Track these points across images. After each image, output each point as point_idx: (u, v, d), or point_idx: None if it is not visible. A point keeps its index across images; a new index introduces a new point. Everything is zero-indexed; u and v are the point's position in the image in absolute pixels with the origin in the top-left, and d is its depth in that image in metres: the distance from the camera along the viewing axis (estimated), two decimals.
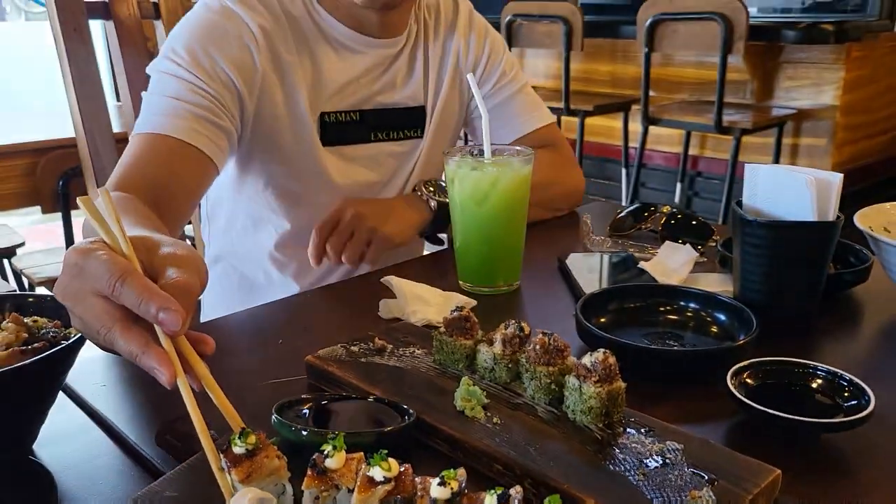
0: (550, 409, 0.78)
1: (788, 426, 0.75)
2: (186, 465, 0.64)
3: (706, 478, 0.67)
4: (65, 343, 0.68)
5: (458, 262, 1.18)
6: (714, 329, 0.98)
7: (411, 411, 0.77)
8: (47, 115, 3.10)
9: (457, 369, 0.85)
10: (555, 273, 1.25)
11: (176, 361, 0.53)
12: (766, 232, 0.99)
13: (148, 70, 1.23)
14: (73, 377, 0.90)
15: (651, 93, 3.74)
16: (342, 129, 1.35)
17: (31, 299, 0.81)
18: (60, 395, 0.88)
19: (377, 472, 0.55)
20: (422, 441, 0.77)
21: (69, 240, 2.90)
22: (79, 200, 0.58)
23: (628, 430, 0.74)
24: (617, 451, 0.71)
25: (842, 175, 0.99)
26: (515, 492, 0.55)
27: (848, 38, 3.54)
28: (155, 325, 0.53)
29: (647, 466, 0.69)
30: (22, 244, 3.16)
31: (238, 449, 0.54)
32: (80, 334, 0.67)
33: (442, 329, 0.87)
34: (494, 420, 0.76)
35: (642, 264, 1.21)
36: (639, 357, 0.85)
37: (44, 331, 0.74)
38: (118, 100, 2.45)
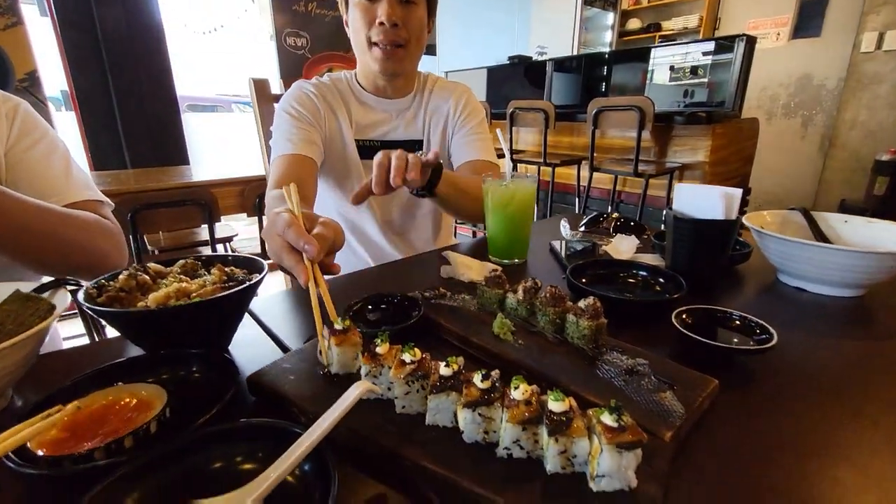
0: (556, 336, 0.67)
1: (716, 351, 0.64)
2: (296, 351, 0.63)
3: (668, 384, 0.56)
4: (248, 283, 0.61)
5: (489, 244, 1.09)
6: (657, 288, 0.86)
7: (421, 307, 0.73)
8: (250, 160, 3.07)
9: (492, 309, 0.75)
10: (546, 254, 1.14)
11: (310, 273, 0.58)
12: (690, 226, 0.87)
13: (275, 117, 1.28)
14: (258, 308, 0.84)
15: (595, 154, 3.57)
16: (370, 150, 1.30)
17: (230, 258, 0.73)
18: (248, 318, 0.81)
19: (406, 357, 0.51)
20: (470, 354, 0.67)
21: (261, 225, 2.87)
22: (284, 189, 0.69)
23: (609, 350, 0.63)
24: (603, 364, 0.60)
25: (741, 189, 0.86)
26: (494, 373, 0.48)
27: (713, 121, 3.38)
28: (303, 254, 0.59)
29: (626, 375, 0.58)
30: (236, 235, 3.13)
31: (337, 327, 0.57)
32: (259, 277, 0.66)
33: (483, 283, 0.77)
34: (519, 342, 0.66)
35: (602, 248, 1.09)
36: (612, 304, 0.73)
37: (237, 276, 0.66)
38: None
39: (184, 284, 0.61)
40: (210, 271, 0.68)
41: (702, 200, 0.89)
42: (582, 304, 0.65)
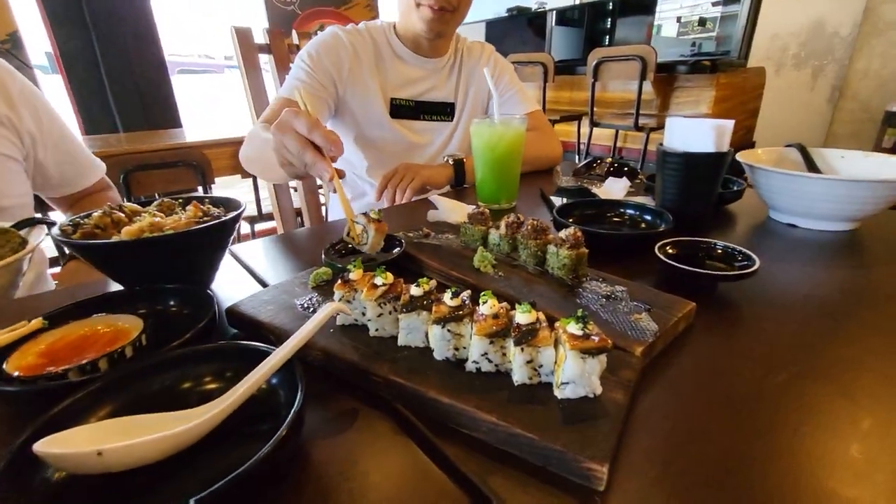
0: (537, 268, 0.67)
1: (697, 277, 0.63)
2: (276, 285, 0.63)
3: (644, 307, 0.55)
4: (224, 218, 0.61)
5: (477, 188, 1.08)
6: (643, 225, 0.85)
7: (402, 242, 0.73)
8: (242, 121, 3.01)
9: (475, 246, 0.73)
10: (537, 198, 1.12)
11: (332, 170, 0.63)
12: (681, 160, 0.85)
13: (292, 65, 1.25)
14: (243, 252, 0.83)
15: (595, 108, 3.47)
16: (403, 110, 1.31)
17: (207, 199, 0.72)
18: (233, 261, 0.81)
19: (378, 280, 0.50)
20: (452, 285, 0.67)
21: (257, 193, 2.84)
22: (295, 91, 0.80)
23: (589, 279, 0.63)
24: (582, 292, 0.60)
25: (733, 121, 0.84)
26: (466, 293, 0.48)
27: (717, 70, 3.24)
28: (325, 152, 0.63)
29: (604, 300, 0.57)
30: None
31: (373, 216, 0.67)
32: (235, 213, 0.64)
33: (466, 221, 0.76)
34: (500, 274, 0.65)
35: (594, 190, 1.07)
36: (595, 239, 0.72)
37: (212, 213, 0.65)
38: None
39: (158, 219, 0.60)
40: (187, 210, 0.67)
41: (693, 134, 0.86)
42: (563, 234, 0.64)
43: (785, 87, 4.90)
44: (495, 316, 0.43)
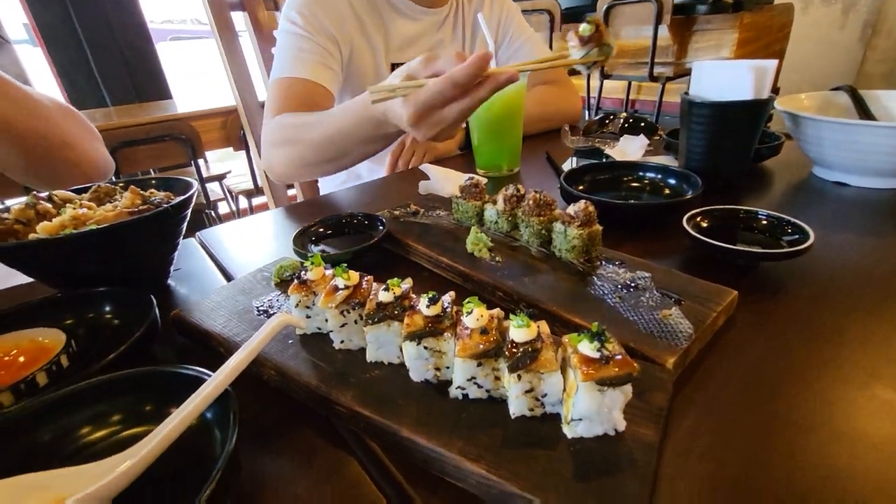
0: (541, 250, 0.56)
1: (737, 256, 0.52)
2: (235, 282, 0.54)
3: (674, 299, 0.45)
4: (163, 207, 0.52)
5: (475, 154, 0.95)
6: (667, 191, 0.73)
7: (384, 223, 0.63)
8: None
9: (469, 223, 0.63)
10: (543, 164, 1.00)
11: None
12: (711, 110, 0.71)
13: (275, 34, 1.04)
14: (215, 237, 0.74)
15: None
16: None
17: (154, 181, 0.62)
18: (200, 251, 0.71)
19: (339, 281, 0.40)
20: (441, 276, 0.57)
21: (251, 164, 2.72)
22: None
23: (604, 263, 0.52)
24: (596, 280, 0.49)
25: (776, 61, 0.69)
26: (448, 296, 0.38)
27: (741, 9, 2.95)
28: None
29: (623, 291, 0.47)
30: (228, 172, 3.00)
31: None
32: (180, 200, 0.53)
33: (458, 194, 0.65)
34: (497, 259, 0.55)
35: (606, 151, 0.94)
36: (610, 211, 0.61)
37: (155, 199, 0.54)
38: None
39: (82, 211, 0.50)
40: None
41: (726, 79, 0.72)
42: (571, 209, 0.53)
43: (813, 25, 4.52)
44: (483, 331, 0.33)
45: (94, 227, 0.47)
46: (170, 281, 0.63)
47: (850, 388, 0.37)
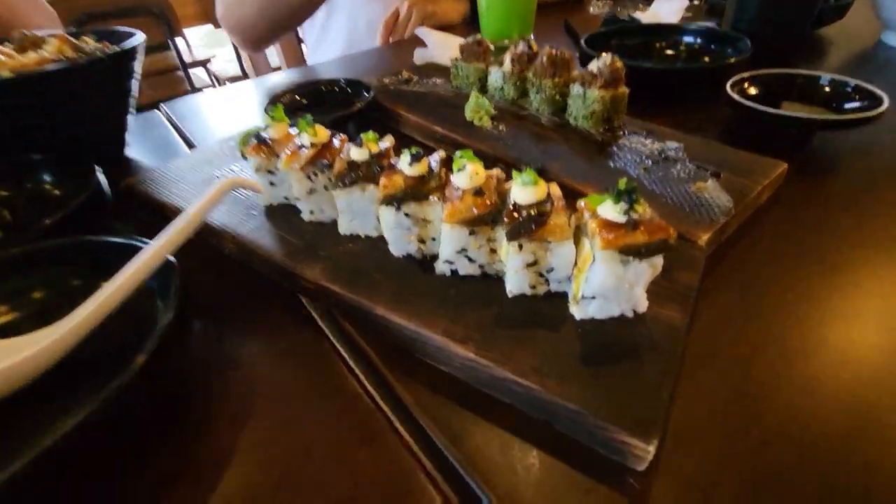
0: (554, 118, 0.47)
1: (789, 125, 0.43)
2: (196, 152, 0.46)
3: (710, 171, 0.37)
4: (98, 56, 0.44)
5: (481, 19, 0.82)
6: (707, 59, 0.61)
7: (370, 90, 0.53)
8: None
9: (470, 90, 0.53)
10: (560, 34, 0.86)
11: None
12: None
13: None
14: (180, 111, 0.65)
15: None
16: None
17: (97, 32, 0.52)
18: (167, 124, 0.63)
19: (304, 138, 0.32)
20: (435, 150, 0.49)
21: (239, 55, 2.48)
22: None
23: (629, 133, 0.44)
24: (617, 150, 0.41)
25: None
26: (438, 155, 0.30)
27: None
28: None
29: (648, 163, 0.39)
30: (213, 56, 2.74)
31: None
32: (120, 49, 0.44)
33: (458, 57, 0.54)
34: (500, 128, 0.46)
35: (637, 15, 0.79)
36: (639, 76, 0.51)
37: (87, 48, 0.45)
38: None
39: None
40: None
41: None
42: (593, 65, 0.43)
43: None
44: (478, 192, 0.26)
45: (6, 74, 0.38)
46: (129, 153, 0.55)
47: None
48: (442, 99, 0.54)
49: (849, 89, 0.46)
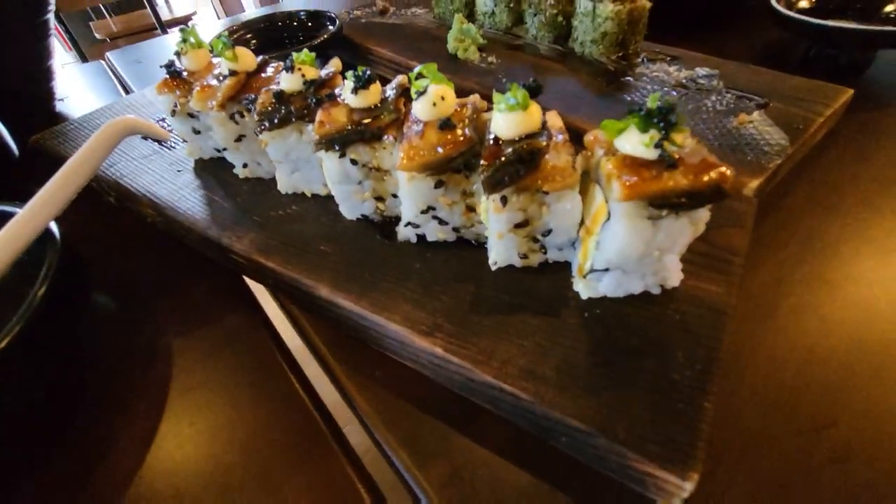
0: (555, 47, 0.39)
1: (849, 41, 0.35)
2: (119, 101, 0.37)
3: (755, 102, 0.29)
4: None
5: None
6: None
7: (335, 20, 0.44)
8: None
9: (453, 20, 0.44)
10: None
11: None
12: None
13: None
14: (123, 59, 0.56)
15: None
16: None
17: None
18: (110, 75, 0.54)
19: (223, 66, 0.24)
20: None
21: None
22: None
23: (648, 61, 0.35)
24: (635, 81, 0.33)
25: None
26: (397, 81, 0.23)
27: None
28: None
29: (674, 95, 0.31)
30: (194, 13, 2.58)
31: None
32: None
33: None
34: (490, 60, 0.38)
35: None
36: None
37: None
38: None
39: None
40: None
41: None
42: None
43: None
44: (446, 125, 0.18)
45: None
46: (59, 108, 0.47)
47: None
48: (421, 30, 0.45)
49: None
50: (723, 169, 0.15)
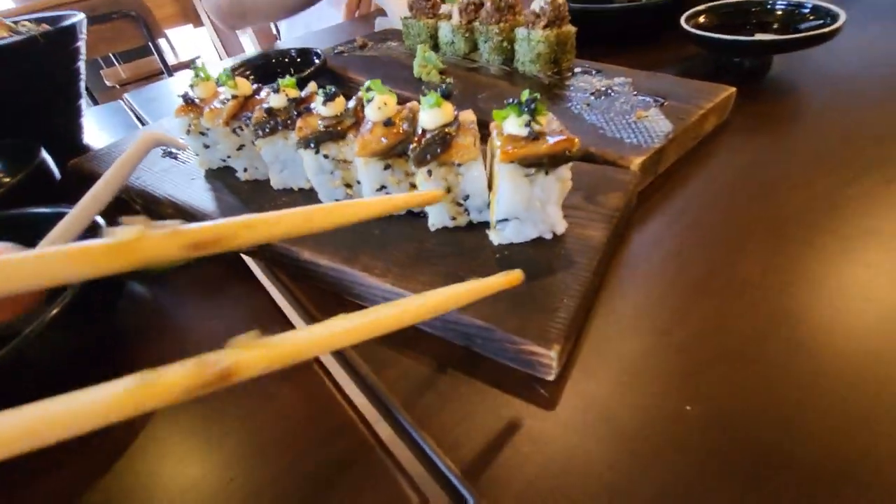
0: (503, 67, 0.46)
1: (741, 52, 0.42)
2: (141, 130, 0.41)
3: (654, 101, 0.36)
4: (32, 34, 0.43)
5: None
6: None
7: (320, 55, 0.52)
8: None
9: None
10: None
11: None
12: None
13: None
14: (141, 99, 0.65)
15: None
16: None
17: (34, 20, 0.51)
18: (129, 114, 0.63)
19: (226, 91, 0.32)
20: None
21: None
22: None
23: (577, 74, 0.42)
24: (563, 91, 0.40)
25: None
26: (357, 96, 0.29)
27: None
28: None
29: (591, 99, 0.38)
30: (198, 57, 2.73)
31: None
32: (61, 26, 0.44)
33: (408, 14, 0.53)
34: (449, 81, 0.45)
35: None
36: (589, 18, 0.49)
37: (23, 30, 0.45)
38: None
39: None
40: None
41: None
42: (536, 5, 0.42)
43: None
44: (388, 122, 0.26)
45: None
46: (88, 141, 0.55)
47: (853, 192, 0.30)
48: (393, 60, 0.53)
49: (805, 10, 0.44)
50: (572, 140, 0.22)
